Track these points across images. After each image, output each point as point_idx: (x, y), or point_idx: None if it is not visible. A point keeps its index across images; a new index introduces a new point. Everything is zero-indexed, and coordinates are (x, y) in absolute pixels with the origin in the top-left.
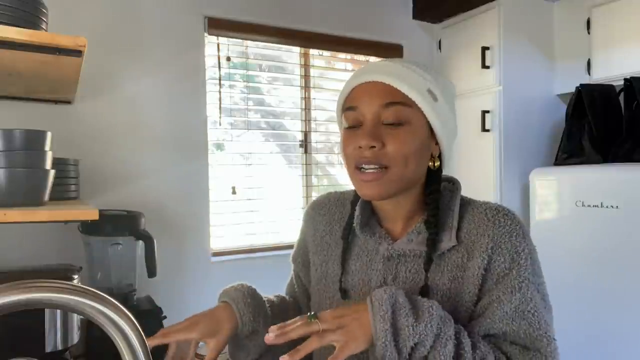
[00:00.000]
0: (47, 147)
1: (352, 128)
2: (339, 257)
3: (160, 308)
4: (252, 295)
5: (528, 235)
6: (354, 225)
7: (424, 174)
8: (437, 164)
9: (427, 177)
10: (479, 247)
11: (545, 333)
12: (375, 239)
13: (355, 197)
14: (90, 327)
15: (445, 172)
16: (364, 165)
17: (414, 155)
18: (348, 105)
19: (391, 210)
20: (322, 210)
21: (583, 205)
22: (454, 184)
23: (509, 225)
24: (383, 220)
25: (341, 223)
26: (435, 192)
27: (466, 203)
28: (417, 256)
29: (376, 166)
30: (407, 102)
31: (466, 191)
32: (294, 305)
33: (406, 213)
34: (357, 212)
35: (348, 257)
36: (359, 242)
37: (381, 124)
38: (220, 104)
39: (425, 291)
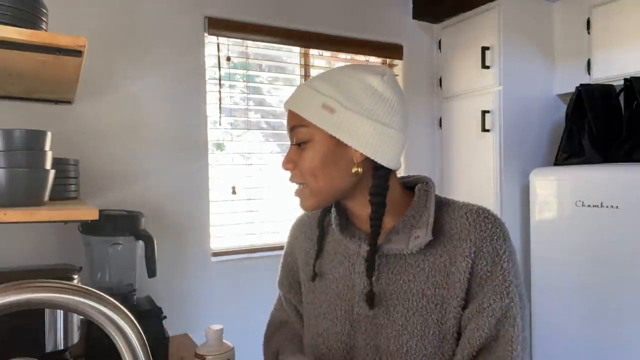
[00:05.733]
0: (47, 147)
1: None
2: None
3: (160, 308)
4: None
5: (508, 237)
6: (333, 226)
7: (351, 180)
8: (359, 169)
9: (374, 179)
10: (461, 252)
11: (516, 341)
12: (355, 241)
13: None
14: (90, 327)
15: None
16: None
17: (321, 170)
18: None
19: (357, 212)
20: (303, 228)
21: (583, 205)
22: (427, 183)
23: (489, 228)
24: (359, 224)
25: None
26: (375, 194)
27: (444, 203)
28: (397, 257)
29: (298, 184)
30: (303, 123)
31: (466, 191)
32: None
33: (369, 214)
34: (333, 214)
35: (324, 261)
36: (340, 249)
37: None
38: (220, 104)
39: (369, 297)
